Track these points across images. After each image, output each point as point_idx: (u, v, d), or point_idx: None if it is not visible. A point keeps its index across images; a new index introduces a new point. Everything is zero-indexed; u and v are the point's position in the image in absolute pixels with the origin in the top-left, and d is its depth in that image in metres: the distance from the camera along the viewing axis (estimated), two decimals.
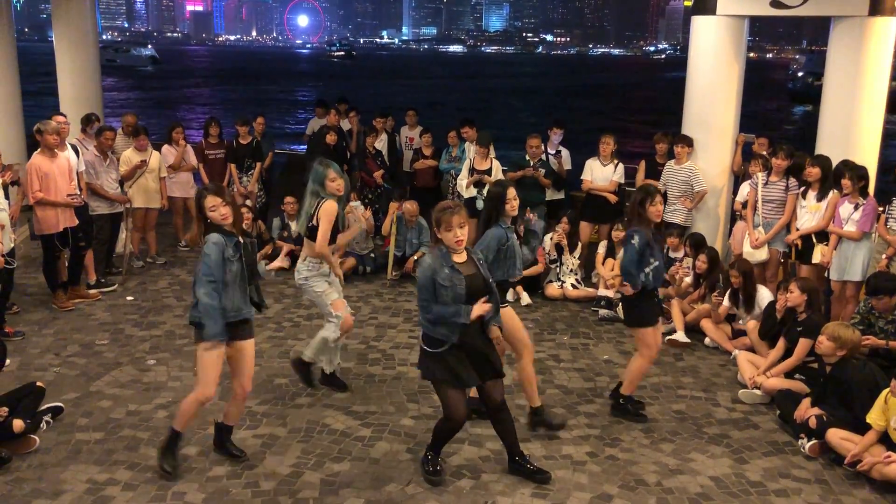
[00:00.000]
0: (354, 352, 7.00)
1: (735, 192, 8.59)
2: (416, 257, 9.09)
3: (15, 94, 11.22)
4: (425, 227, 9.17)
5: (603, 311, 8.07)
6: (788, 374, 6.21)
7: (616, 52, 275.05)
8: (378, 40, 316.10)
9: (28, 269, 8.83)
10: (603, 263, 8.57)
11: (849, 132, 8.11)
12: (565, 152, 9.58)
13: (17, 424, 5.10)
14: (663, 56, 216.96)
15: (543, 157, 9.25)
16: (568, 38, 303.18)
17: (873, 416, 5.13)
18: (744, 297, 7.16)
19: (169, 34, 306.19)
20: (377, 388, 6.29)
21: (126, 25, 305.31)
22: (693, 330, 7.49)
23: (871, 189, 7.34)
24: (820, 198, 7.47)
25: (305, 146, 11.84)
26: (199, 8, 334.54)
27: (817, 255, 7.47)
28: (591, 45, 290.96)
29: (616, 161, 9.10)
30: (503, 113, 45.37)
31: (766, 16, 8.49)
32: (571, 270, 8.80)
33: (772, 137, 9.07)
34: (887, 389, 5.10)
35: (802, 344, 6.06)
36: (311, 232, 5.76)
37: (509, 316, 5.37)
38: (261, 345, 6.12)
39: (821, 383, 5.68)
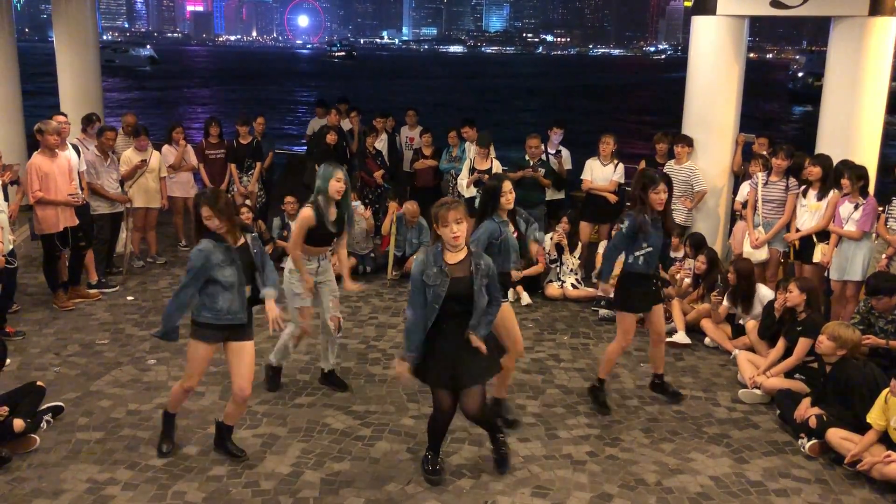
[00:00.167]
0: (354, 352, 7.01)
1: (735, 192, 8.60)
2: (415, 257, 9.08)
3: (15, 94, 11.23)
4: (425, 227, 9.17)
5: (603, 311, 8.07)
6: (788, 374, 6.21)
7: (616, 52, 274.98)
8: (378, 41, 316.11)
9: (28, 269, 8.84)
10: None
11: (849, 132, 8.12)
12: (565, 152, 9.58)
13: (18, 424, 5.11)
14: (663, 56, 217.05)
15: (543, 157, 9.25)
16: (568, 39, 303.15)
17: (873, 416, 5.13)
18: (742, 297, 7.16)
19: (169, 34, 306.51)
20: (377, 387, 6.29)
21: (126, 26, 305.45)
22: (693, 330, 7.49)
23: (871, 189, 7.34)
24: (820, 197, 7.48)
25: (305, 146, 11.84)
26: (200, 8, 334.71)
27: (818, 255, 7.48)
28: (591, 46, 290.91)
29: (616, 161, 9.11)
30: (503, 113, 45.35)
31: (766, 16, 8.49)
32: (571, 270, 8.80)
33: (772, 137, 9.07)
34: (887, 389, 5.11)
35: (802, 343, 6.06)
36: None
37: (506, 313, 5.35)
38: (261, 345, 6.12)
39: (821, 383, 5.68)
